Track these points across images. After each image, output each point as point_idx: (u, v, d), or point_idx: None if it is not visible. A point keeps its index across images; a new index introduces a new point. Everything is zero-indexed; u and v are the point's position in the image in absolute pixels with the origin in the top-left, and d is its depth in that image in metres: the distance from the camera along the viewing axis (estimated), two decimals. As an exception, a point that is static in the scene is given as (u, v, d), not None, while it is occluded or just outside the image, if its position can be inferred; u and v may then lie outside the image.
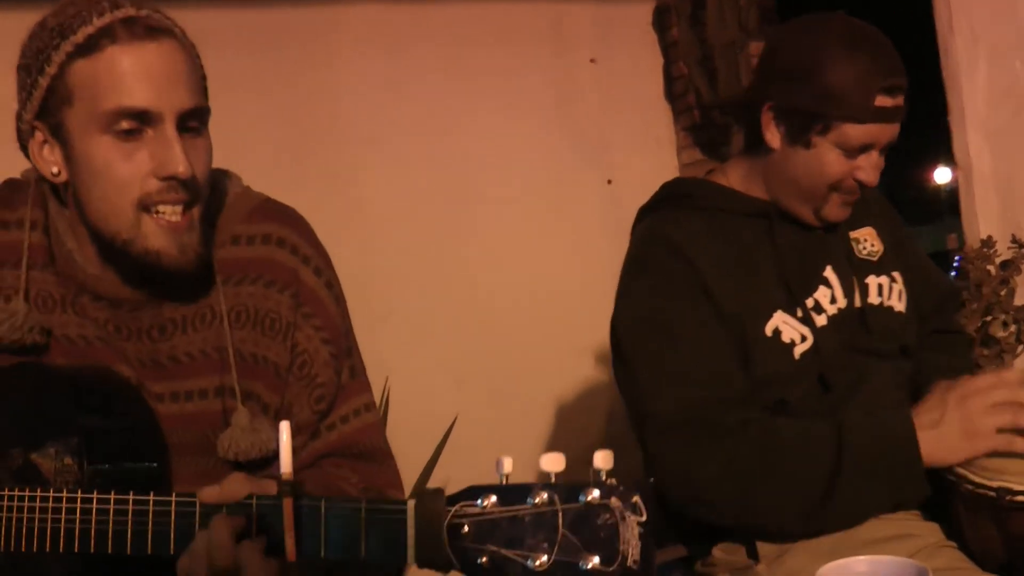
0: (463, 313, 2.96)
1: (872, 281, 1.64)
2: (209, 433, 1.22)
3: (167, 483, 1.17)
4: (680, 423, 1.48)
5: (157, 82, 1.13)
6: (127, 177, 1.14)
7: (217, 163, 1.32)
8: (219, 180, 1.30)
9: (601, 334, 1.67)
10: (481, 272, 3.00)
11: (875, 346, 1.59)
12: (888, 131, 1.54)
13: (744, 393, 1.50)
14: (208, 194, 1.22)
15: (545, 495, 0.89)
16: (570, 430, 3.02)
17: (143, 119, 1.13)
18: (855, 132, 1.51)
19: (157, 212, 1.15)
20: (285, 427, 0.97)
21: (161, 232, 1.15)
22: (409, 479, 1.25)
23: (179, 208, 1.16)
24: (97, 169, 1.14)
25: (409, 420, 2.54)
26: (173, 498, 1.02)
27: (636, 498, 0.87)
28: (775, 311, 1.55)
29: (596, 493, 0.88)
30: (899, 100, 1.52)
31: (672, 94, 3.45)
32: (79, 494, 1.04)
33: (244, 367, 1.23)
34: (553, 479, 0.91)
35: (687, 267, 1.55)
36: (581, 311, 2.78)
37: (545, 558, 0.87)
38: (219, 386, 1.23)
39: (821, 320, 1.56)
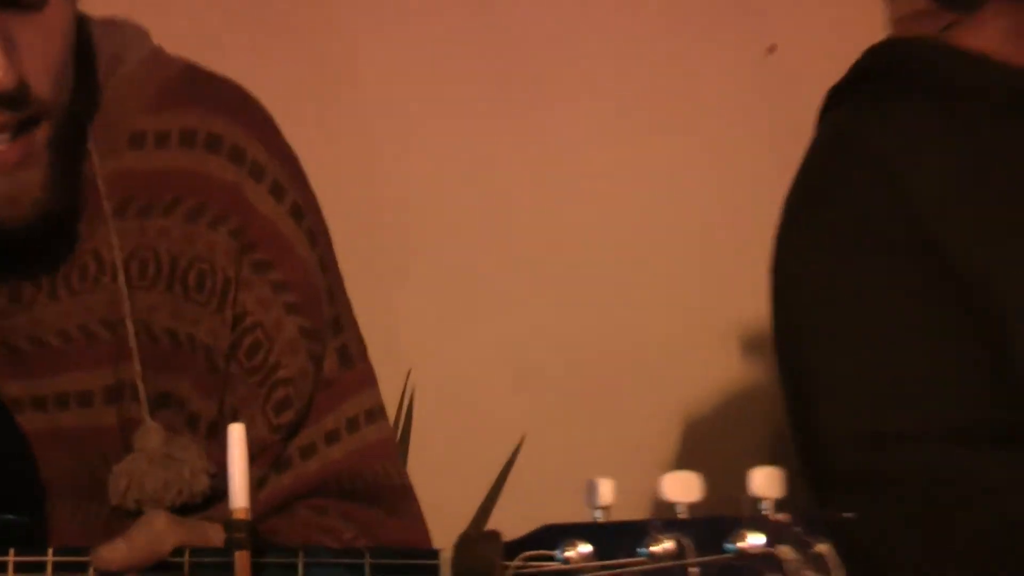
0: (530, 272, 2.95)
1: None
2: (97, 463, 1.23)
3: (42, 540, 1.17)
4: (876, 477, 1.49)
5: None
6: None
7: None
8: (106, 36, 1.30)
9: (758, 306, 1.69)
10: (559, 206, 2.98)
11: None
12: None
13: (993, 422, 1.50)
14: (72, 85, 1.20)
15: (669, 541, 0.89)
16: (706, 459, 3.00)
17: None
18: None
19: None
20: (237, 431, 0.99)
21: None
22: (447, 535, 1.28)
23: (4, 136, 1.16)
24: None
25: (445, 440, 2.57)
26: (49, 558, 1.04)
27: (822, 547, 0.86)
28: None
29: (754, 537, 0.87)
30: None
31: None
32: None
33: (155, 352, 1.25)
34: (683, 514, 0.92)
35: (895, 196, 1.56)
36: (725, 264, 2.81)
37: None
38: (112, 385, 1.25)
39: None
